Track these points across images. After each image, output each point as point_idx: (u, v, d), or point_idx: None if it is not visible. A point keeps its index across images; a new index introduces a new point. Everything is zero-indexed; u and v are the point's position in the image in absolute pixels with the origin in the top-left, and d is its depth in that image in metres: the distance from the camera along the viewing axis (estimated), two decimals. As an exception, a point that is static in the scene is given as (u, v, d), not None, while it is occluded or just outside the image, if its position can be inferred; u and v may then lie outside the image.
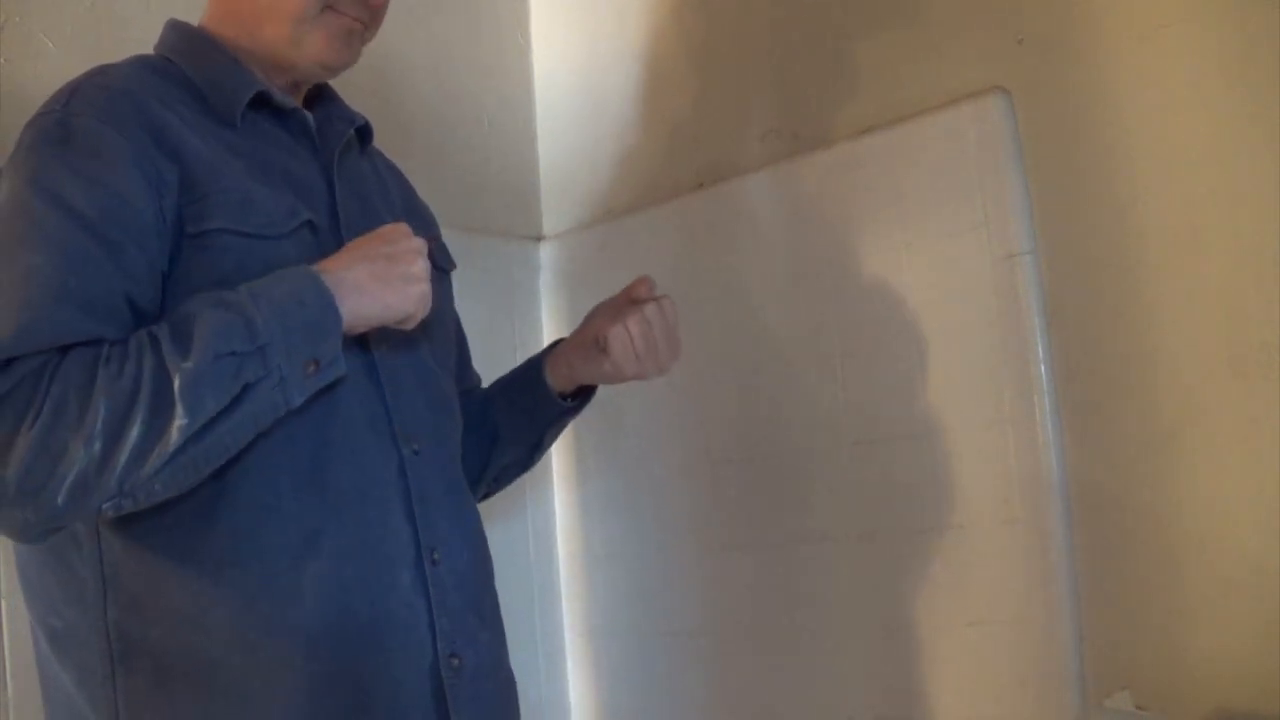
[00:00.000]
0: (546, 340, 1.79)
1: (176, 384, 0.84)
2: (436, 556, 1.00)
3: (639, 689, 1.66)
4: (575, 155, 1.83)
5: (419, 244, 0.98)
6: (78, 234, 0.88)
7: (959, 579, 1.30)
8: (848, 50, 1.46)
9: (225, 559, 0.91)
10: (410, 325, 0.98)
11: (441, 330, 1.14)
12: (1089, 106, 1.24)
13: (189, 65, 1.03)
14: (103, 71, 0.98)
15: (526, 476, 1.72)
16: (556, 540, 1.77)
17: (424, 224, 1.20)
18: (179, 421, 0.84)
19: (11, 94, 1.25)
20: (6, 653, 1.19)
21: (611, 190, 1.75)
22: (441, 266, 1.17)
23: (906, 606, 1.35)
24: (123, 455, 0.83)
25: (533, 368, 1.25)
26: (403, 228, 0.99)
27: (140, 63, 1.03)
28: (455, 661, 0.99)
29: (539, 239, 1.85)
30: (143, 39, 1.07)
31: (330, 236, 1.02)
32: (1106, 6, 1.23)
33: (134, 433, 0.83)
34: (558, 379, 1.22)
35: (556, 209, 1.82)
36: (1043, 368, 1.26)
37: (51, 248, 0.87)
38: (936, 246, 1.34)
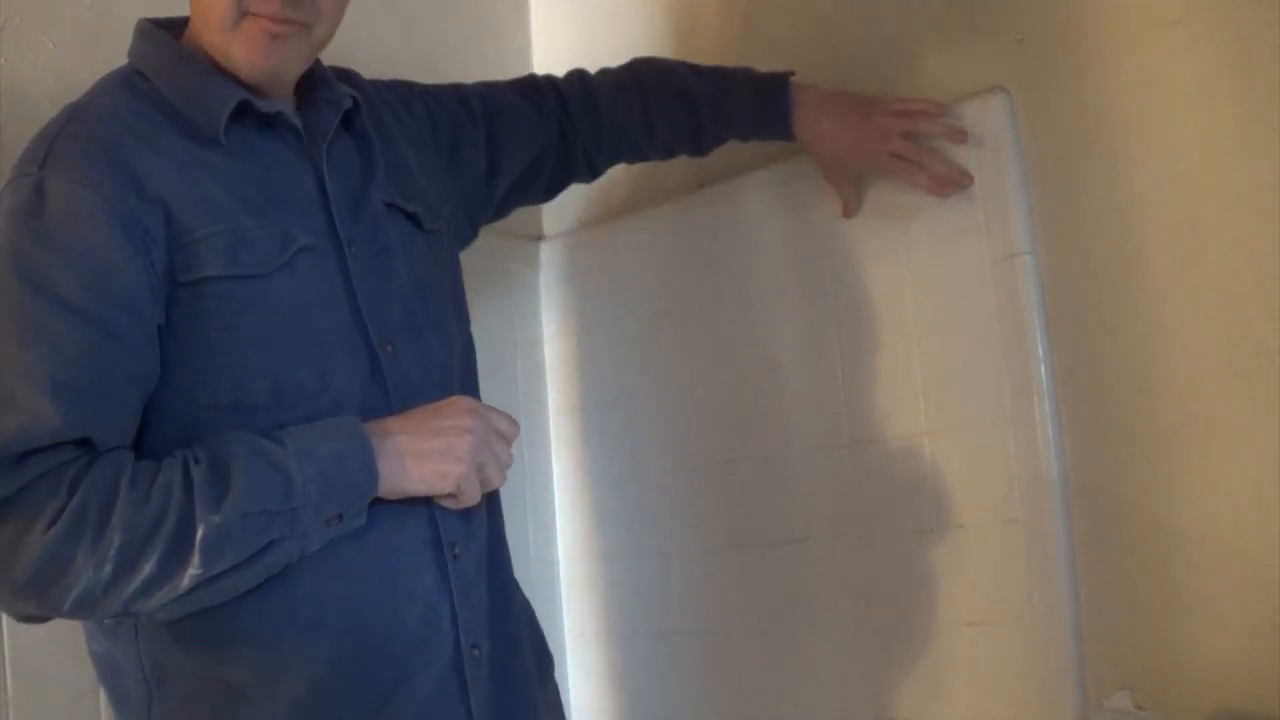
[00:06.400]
0: (546, 339, 1.79)
1: (199, 535, 0.84)
2: (457, 551, 1.01)
3: (639, 689, 1.66)
4: (575, 155, 1.83)
5: (472, 423, 0.97)
6: (67, 323, 0.86)
7: (959, 579, 1.30)
8: (847, 50, 1.46)
9: (248, 592, 0.91)
10: (461, 504, 0.98)
11: (436, 296, 1.12)
12: (1089, 106, 1.24)
13: (164, 81, 0.99)
14: (77, 118, 0.95)
15: (526, 479, 1.72)
16: (556, 540, 1.77)
17: (404, 178, 1.15)
18: (193, 570, 0.85)
19: (11, 94, 1.24)
20: (6, 653, 1.19)
21: (611, 190, 1.75)
22: (426, 227, 1.13)
23: (907, 607, 1.35)
24: (131, 586, 0.84)
25: (771, 104, 1.34)
26: (462, 404, 0.99)
27: (118, 86, 0.99)
28: (476, 652, 1.00)
29: (539, 238, 1.84)
30: (143, 40, 1.06)
31: (329, 250, 1.01)
32: (1106, 6, 1.23)
33: (146, 569, 0.84)
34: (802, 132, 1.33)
35: (556, 208, 1.82)
36: (1043, 368, 1.25)
37: (42, 341, 0.85)
38: (936, 246, 1.33)
